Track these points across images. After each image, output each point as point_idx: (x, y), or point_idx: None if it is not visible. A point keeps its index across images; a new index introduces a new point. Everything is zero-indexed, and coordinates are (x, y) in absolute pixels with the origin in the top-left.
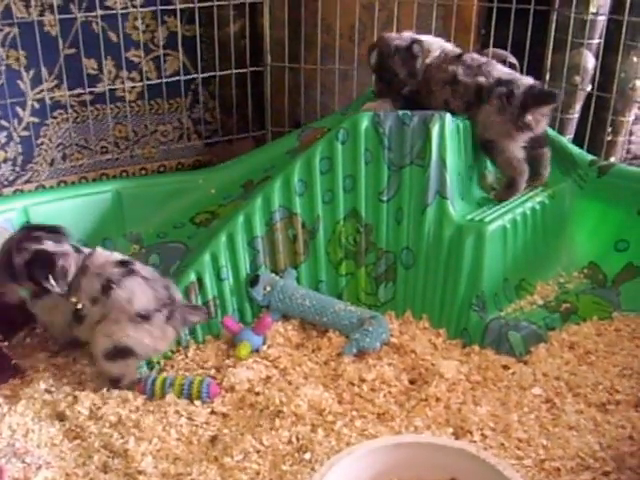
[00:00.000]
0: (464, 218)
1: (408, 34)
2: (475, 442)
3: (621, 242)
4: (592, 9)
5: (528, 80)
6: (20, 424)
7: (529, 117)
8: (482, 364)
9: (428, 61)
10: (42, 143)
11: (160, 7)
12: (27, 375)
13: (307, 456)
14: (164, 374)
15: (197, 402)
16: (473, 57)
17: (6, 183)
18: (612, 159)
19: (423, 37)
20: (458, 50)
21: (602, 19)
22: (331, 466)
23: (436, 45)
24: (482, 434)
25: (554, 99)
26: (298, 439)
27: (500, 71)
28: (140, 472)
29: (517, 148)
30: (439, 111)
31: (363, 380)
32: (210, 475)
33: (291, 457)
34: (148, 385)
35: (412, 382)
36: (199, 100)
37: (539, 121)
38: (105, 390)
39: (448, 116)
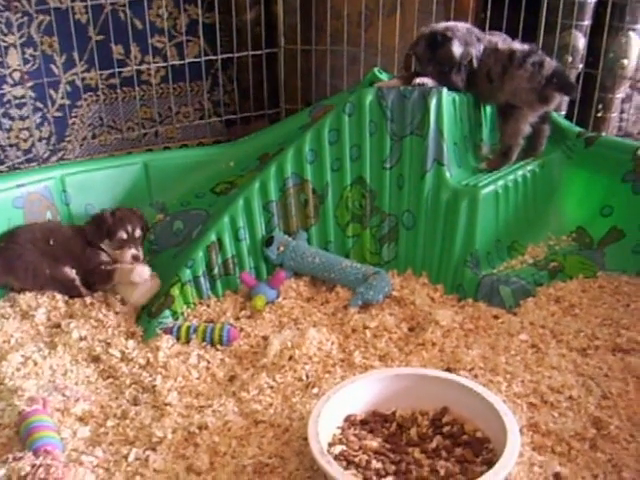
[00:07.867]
0: (460, 183)
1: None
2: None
3: (606, 208)
4: None
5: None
6: (59, 365)
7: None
8: (475, 314)
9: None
10: (74, 123)
11: None
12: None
13: (315, 390)
14: (188, 323)
15: (217, 346)
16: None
17: (40, 160)
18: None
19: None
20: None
21: (591, 1)
22: (337, 391)
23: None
24: (473, 373)
25: (573, 92)
26: (307, 377)
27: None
28: (167, 404)
29: (530, 121)
30: (437, 86)
31: (366, 327)
32: (229, 407)
33: (301, 391)
34: (174, 332)
35: (411, 330)
36: (218, 83)
37: (555, 98)
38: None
39: (445, 90)
